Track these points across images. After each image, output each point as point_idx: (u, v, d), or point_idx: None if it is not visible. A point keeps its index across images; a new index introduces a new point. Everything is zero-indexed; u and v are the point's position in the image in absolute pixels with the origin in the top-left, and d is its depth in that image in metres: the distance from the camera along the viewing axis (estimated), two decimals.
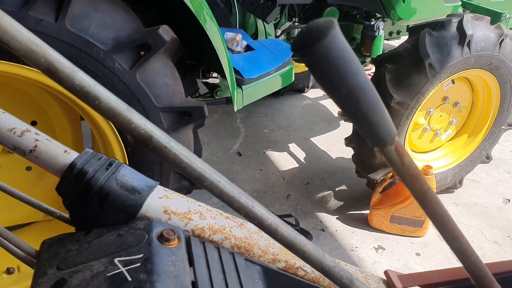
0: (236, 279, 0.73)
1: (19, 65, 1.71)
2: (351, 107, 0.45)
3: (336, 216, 3.23)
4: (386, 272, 0.89)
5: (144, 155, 2.07)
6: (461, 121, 3.33)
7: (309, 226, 3.11)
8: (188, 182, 2.29)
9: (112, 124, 1.96)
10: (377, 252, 2.96)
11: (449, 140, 3.37)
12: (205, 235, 0.79)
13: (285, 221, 2.45)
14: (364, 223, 3.19)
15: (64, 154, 0.78)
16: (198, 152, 2.39)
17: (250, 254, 0.80)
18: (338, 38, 0.41)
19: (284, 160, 3.80)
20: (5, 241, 0.76)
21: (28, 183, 2.32)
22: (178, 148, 0.54)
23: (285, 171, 3.67)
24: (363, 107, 0.45)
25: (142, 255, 0.69)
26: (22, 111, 2.25)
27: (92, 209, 0.76)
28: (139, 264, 0.68)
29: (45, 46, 0.47)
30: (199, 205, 0.83)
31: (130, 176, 0.79)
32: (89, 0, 1.78)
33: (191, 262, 0.73)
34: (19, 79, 1.86)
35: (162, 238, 0.73)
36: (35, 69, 1.72)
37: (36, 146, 0.76)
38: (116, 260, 0.69)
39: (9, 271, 2.14)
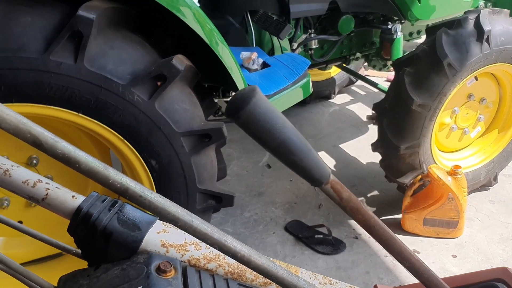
0: None
1: (50, 106, 1.85)
2: (283, 157, 0.51)
3: None
4: (375, 287, 0.93)
5: (169, 178, 2.18)
6: (489, 117, 3.27)
7: (342, 235, 3.13)
8: (214, 201, 2.38)
9: (136, 152, 2.08)
10: None
11: (479, 137, 3.31)
12: (200, 264, 0.86)
13: (317, 231, 2.54)
14: (397, 227, 3.17)
15: (72, 199, 0.88)
16: (222, 170, 2.47)
17: (243, 279, 0.87)
18: (259, 104, 0.48)
19: None
20: (26, 279, 0.87)
21: (54, 226, 2.46)
22: (152, 196, 0.62)
23: None
24: (294, 156, 0.51)
25: (141, 287, 0.77)
26: None
27: (99, 246, 0.85)
28: None
29: (31, 123, 0.57)
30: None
31: (130, 214, 0.88)
32: (105, 39, 1.90)
33: None
34: (51, 119, 2.01)
35: (160, 270, 0.81)
36: (65, 110, 1.88)
37: (47, 194, 0.86)
38: None
39: None
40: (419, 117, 2.79)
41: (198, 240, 0.89)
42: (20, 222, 2.43)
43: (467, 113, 3.13)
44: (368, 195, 3.50)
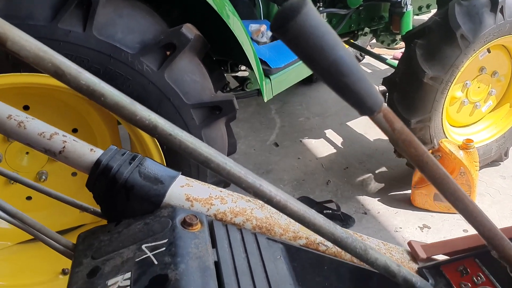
0: (258, 257, 0.77)
1: None
2: (333, 80, 0.47)
3: (378, 198, 3.20)
4: (409, 243, 0.89)
5: (179, 152, 2.14)
6: (501, 91, 3.21)
7: (350, 210, 3.10)
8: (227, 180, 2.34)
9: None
10: (422, 231, 2.91)
11: (490, 112, 3.26)
12: (227, 218, 0.83)
13: (326, 207, 2.49)
14: (407, 203, 3.14)
15: (90, 152, 0.84)
16: (232, 145, 2.43)
17: (272, 233, 0.83)
18: (311, 15, 0.43)
19: (322, 147, 3.80)
20: (45, 237, 0.83)
21: (75, 188, 2.45)
22: (182, 135, 0.58)
23: (323, 158, 3.67)
24: (345, 79, 0.47)
25: (167, 240, 0.74)
26: (64, 120, 2.37)
27: (120, 201, 0.82)
28: (164, 248, 0.72)
29: (52, 51, 0.52)
30: (220, 191, 0.87)
31: (152, 168, 0.84)
32: (114, 7, 1.85)
33: (214, 244, 0.77)
34: (59, 90, 1.96)
35: (185, 224, 0.77)
36: None
37: (64, 147, 0.82)
38: (143, 246, 0.74)
39: (64, 272, 2.27)
40: (431, 90, 2.74)
41: (223, 194, 0.86)
42: (29, 198, 2.41)
43: (478, 87, 3.08)
44: (377, 172, 3.46)
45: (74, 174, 2.44)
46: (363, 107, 0.49)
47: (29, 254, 2.42)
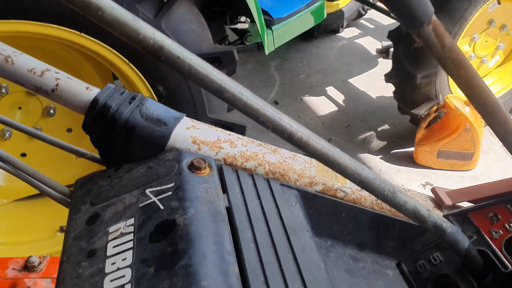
0: (272, 203, 0.70)
1: (50, 25, 1.70)
2: None
3: (380, 156, 3.15)
4: (433, 190, 0.83)
5: (177, 105, 2.06)
6: (509, 45, 3.11)
7: None
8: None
9: (142, 76, 1.95)
10: (424, 189, 2.88)
11: (497, 67, 3.17)
12: (238, 162, 0.76)
13: None
14: (409, 161, 3.10)
15: (86, 91, 0.76)
16: None
17: (286, 179, 0.77)
18: None
19: (323, 105, 3.71)
20: (40, 184, 0.76)
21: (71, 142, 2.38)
22: (192, 58, 0.50)
23: (325, 116, 3.60)
24: None
25: (173, 184, 0.67)
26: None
27: (120, 144, 0.74)
28: (170, 193, 0.66)
29: None
30: (229, 134, 0.80)
31: (154, 109, 0.76)
32: None
33: (224, 189, 0.70)
34: (50, 40, 1.86)
35: (193, 167, 0.70)
36: (66, 28, 1.73)
37: (57, 85, 0.74)
38: (147, 191, 0.68)
39: (62, 229, 2.23)
40: None
41: (232, 138, 0.79)
42: (24, 154, 2.34)
43: (486, 41, 2.98)
44: (379, 129, 3.40)
45: (69, 130, 2.36)
46: (411, 17, 0.41)
47: (27, 211, 2.37)
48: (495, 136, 0.51)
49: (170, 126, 0.75)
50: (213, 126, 0.80)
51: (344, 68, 4.11)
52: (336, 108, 3.66)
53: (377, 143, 3.29)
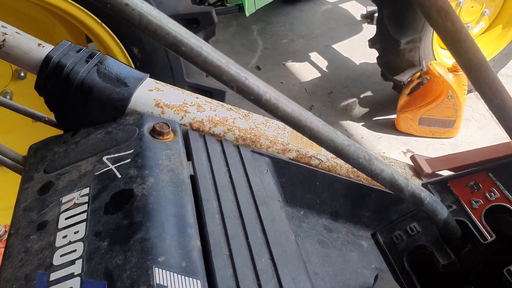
0: (241, 171, 0.66)
1: None
2: None
3: (362, 123, 3.12)
4: (412, 157, 0.80)
5: (153, 68, 1.98)
6: (495, 11, 3.05)
7: None
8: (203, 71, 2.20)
9: (117, 38, 1.86)
10: (405, 156, 2.87)
11: (481, 34, 3.12)
12: (205, 128, 0.71)
13: None
14: (391, 128, 3.07)
15: (38, 47, 0.69)
16: None
17: (257, 146, 0.72)
18: None
19: (306, 71, 3.64)
20: None
21: (43, 109, 2.28)
22: (143, 6, 0.44)
23: (307, 82, 3.53)
24: None
25: (133, 150, 0.62)
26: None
27: (76, 107, 0.68)
28: (129, 160, 0.61)
29: None
30: (197, 97, 0.74)
31: (114, 68, 0.70)
32: None
33: (189, 157, 0.65)
34: (22, 1, 1.75)
35: (155, 132, 0.65)
36: None
37: (4, 40, 0.67)
38: (104, 158, 0.62)
39: None
40: None
41: (200, 101, 0.73)
42: None
43: (472, 6, 2.91)
44: (361, 96, 3.36)
45: None
46: None
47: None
48: (480, 97, 0.46)
49: (131, 87, 0.69)
50: (179, 89, 0.74)
51: (328, 33, 4.02)
52: (319, 74, 3.60)
53: (359, 110, 3.25)
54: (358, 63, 3.68)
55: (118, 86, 0.68)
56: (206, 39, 2.15)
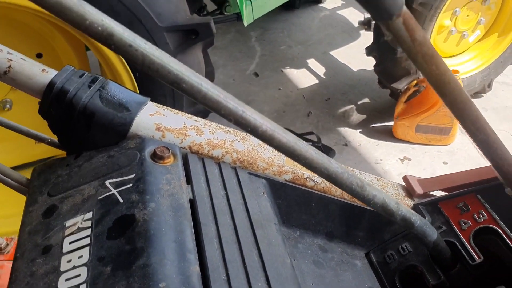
0: (239, 194, 0.68)
1: None
2: None
3: (359, 130, 3.15)
4: (405, 178, 0.82)
5: (154, 79, 2.00)
6: (490, 20, 3.09)
7: (331, 142, 3.05)
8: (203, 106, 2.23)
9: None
10: (402, 163, 2.90)
11: (477, 42, 3.16)
12: (204, 151, 0.73)
13: (307, 139, 2.39)
14: (388, 135, 3.10)
15: (42, 73, 0.71)
16: (210, 74, 2.29)
17: (254, 168, 0.74)
18: None
19: (304, 77, 3.67)
20: None
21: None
22: (146, 47, 0.46)
23: (305, 89, 3.56)
24: None
25: (134, 175, 0.64)
26: (27, 44, 2.17)
27: (79, 131, 0.70)
28: (131, 184, 0.63)
29: None
30: (196, 120, 0.76)
31: (116, 93, 0.72)
32: None
33: (188, 180, 0.68)
34: (21, 11, 1.77)
35: (156, 157, 0.67)
36: None
37: (10, 66, 0.69)
38: (107, 182, 0.65)
39: None
40: (419, 17, 2.60)
41: (199, 124, 0.75)
42: None
43: (467, 15, 2.95)
44: (359, 103, 3.38)
45: (39, 55, 2.26)
46: (379, 8, 0.38)
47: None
48: (466, 132, 0.49)
49: (133, 112, 0.71)
50: (179, 112, 0.77)
51: (326, 40, 4.06)
52: (316, 81, 3.63)
53: (357, 117, 3.28)
54: (355, 70, 3.71)
55: (120, 111, 0.70)
56: (205, 48, 2.18)
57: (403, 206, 0.61)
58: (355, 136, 3.11)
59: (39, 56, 2.21)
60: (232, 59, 3.85)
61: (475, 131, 0.47)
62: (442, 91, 0.44)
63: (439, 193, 0.80)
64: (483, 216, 0.68)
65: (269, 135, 0.53)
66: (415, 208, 0.75)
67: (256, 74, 3.70)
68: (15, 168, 2.24)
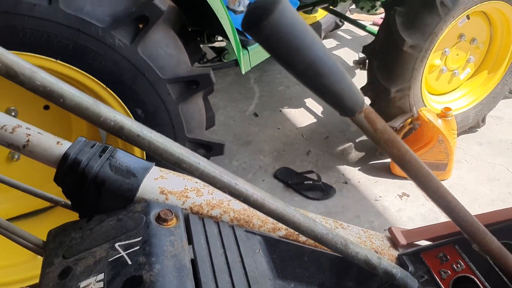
0: (236, 252, 0.75)
1: (26, 53, 1.72)
2: (312, 81, 0.43)
3: (358, 168, 3.22)
4: (389, 229, 0.88)
5: (157, 128, 2.08)
6: (479, 58, 3.21)
7: (331, 180, 3.12)
8: (204, 150, 2.31)
9: (121, 101, 1.98)
10: (401, 199, 2.95)
11: (468, 79, 3.27)
12: (204, 211, 0.80)
13: (307, 177, 2.48)
14: (386, 171, 3.17)
15: (57, 145, 0.79)
16: (210, 119, 2.38)
17: (250, 225, 0.81)
18: (286, 13, 0.39)
19: (302, 116, 3.77)
20: (14, 235, 0.79)
21: (50, 173, 2.38)
22: (151, 136, 0.54)
23: (304, 127, 3.65)
24: (324, 80, 0.43)
25: (141, 238, 0.71)
26: (35, 97, 2.27)
27: (91, 196, 0.78)
28: (138, 247, 0.70)
29: (1, 50, 0.47)
30: (196, 182, 0.84)
31: (124, 160, 0.80)
32: None
33: (190, 240, 0.74)
34: None
35: (160, 219, 0.74)
36: (42, 56, 1.75)
37: (28, 140, 0.78)
38: (116, 245, 0.71)
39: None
40: (410, 58, 2.72)
41: (199, 186, 0.83)
42: None
43: (457, 54, 3.07)
44: (357, 141, 3.47)
45: (46, 107, 2.33)
46: (344, 108, 0.46)
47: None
48: (431, 200, 0.56)
49: (139, 177, 0.79)
50: (181, 175, 0.84)
51: None
52: (314, 120, 3.72)
53: (355, 154, 3.35)
54: None
55: (128, 177, 0.78)
56: (206, 96, 2.28)
57: (385, 260, 0.68)
58: (354, 173, 3.18)
59: (46, 108, 2.31)
60: (232, 100, 3.97)
61: (437, 199, 0.54)
62: (405, 168, 0.51)
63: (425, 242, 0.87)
64: (460, 265, 0.74)
65: (260, 203, 0.60)
66: (399, 258, 0.82)
67: (256, 115, 3.81)
68: (13, 219, 2.31)
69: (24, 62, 0.48)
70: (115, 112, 0.52)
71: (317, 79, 0.43)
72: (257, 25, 0.39)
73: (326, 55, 0.43)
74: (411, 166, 0.51)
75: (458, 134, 3.23)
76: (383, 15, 3.16)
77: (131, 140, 0.53)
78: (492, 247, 0.60)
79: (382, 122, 0.49)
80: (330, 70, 0.43)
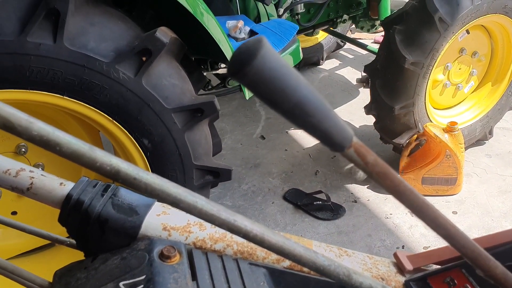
0: (241, 286, 0.74)
1: (33, 91, 1.76)
2: (299, 120, 0.44)
3: (367, 186, 3.20)
4: (395, 254, 0.88)
5: (164, 157, 2.11)
6: (482, 71, 3.21)
7: (340, 200, 3.10)
8: (212, 176, 2.32)
9: (127, 132, 2.00)
10: (412, 216, 2.92)
11: (472, 92, 3.26)
12: (207, 245, 0.80)
13: (316, 198, 2.48)
14: None
15: (60, 186, 0.80)
16: (217, 144, 2.40)
17: (254, 258, 0.81)
18: (268, 57, 0.40)
19: (308, 137, 3.78)
20: (19, 278, 0.80)
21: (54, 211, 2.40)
22: (148, 178, 0.55)
23: (311, 148, 3.66)
24: (311, 118, 0.44)
25: (145, 276, 0.71)
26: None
27: (94, 235, 0.79)
28: (142, 286, 0.70)
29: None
30: None
31: (126, 198, 0.81)
32: (84, 15, 1.79)
33: (194, 276, 0.74)
34: (35, 104, 1.91)
35: (163, 256, 0.74)
36: (49, 93, 1.78)
37: (32, 183, 0.79)
38: (121, 284, 0.72)
39: None
40: (412, 75, 2.73)
41: (202, 220, 0.83)
42: (15, 212, 2.36)
43: (459, 68, 3.07)
44: None
45: None
46: (333, 144, 0.46)
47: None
48: (430, 229, 0.56)
49: (141, 215, 0.79)
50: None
51: (327, 99, 4.16)
52: None
53: (363, 173, 3.33)
54: (358, 126, 3.82)
55: (130, 215, 0.79)
56: (211, 122, 2.30)
57: None
58: (363, 192, 3.16)
59: None
60: (239, 124, 3.99)
61: (436, 227, 0.54)
62: (401, 199, 0.51)
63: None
64: None
65: (259, 238, 0.60)
66: (406, 284, 0.81)
67: (263, 137, 3.82)
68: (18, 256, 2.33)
69: (20, 114, 0.49)
70: (111, 157, 0.53)
71: (304, 118, 0.44)
72: (241, 70, 0.40)
73: (311, 94, 0.44)
74: (406, 197, 0.51)
75: (466, 147, 3.22)
76: (383, 33, 3.18)
77: (128, 183, 0.54)
78: (496, 272, 0.60)
79: (372, 155, 0.49)
80: (316, 108, 0.44)
